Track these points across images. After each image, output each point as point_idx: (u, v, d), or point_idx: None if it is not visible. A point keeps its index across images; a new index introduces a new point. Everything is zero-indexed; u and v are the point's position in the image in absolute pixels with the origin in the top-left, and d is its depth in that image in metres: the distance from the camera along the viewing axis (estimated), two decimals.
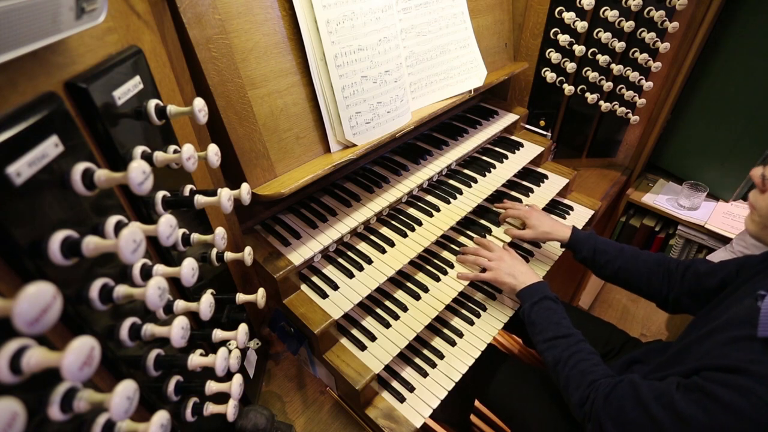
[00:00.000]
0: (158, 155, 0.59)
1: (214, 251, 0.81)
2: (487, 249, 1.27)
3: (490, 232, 1.40)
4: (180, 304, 0.65)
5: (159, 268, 0.58)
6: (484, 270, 1.23)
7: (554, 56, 1.61)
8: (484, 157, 1.56)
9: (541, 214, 1.35)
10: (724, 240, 1.81)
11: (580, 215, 1.59)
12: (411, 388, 1.09)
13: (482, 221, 1.44)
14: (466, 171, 1.50)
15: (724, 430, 0.65)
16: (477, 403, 1.63)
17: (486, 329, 1.21)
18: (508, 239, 1.37)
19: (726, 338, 0.74)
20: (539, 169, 1.68)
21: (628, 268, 1.17)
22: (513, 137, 1.68)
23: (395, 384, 1.10)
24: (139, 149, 0.59)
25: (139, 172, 0.48)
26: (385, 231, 1.26)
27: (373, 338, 1.11)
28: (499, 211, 1.44)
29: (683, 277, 1.10)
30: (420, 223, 1.28)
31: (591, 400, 0.86)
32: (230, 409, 0.71)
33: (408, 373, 1.13)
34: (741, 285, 0.89)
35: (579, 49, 1.56)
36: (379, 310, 1.18)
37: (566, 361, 0.95)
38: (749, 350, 0.68)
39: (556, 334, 1.00)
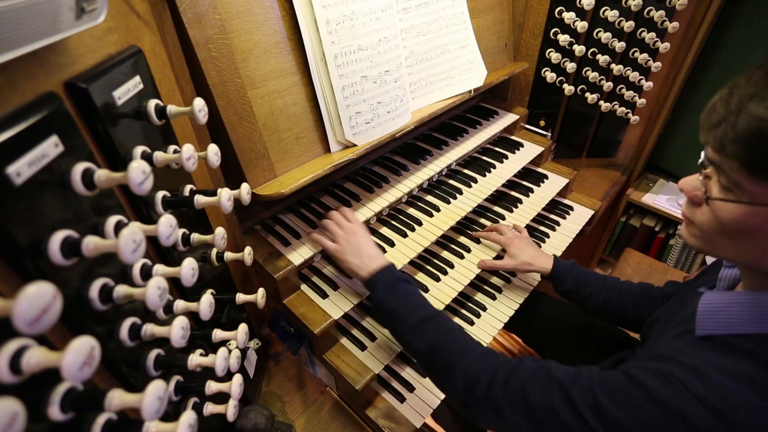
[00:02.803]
0: (158, 155, 0.59)
1: (214, 251, 0.81)
2: (345, 218, 1.11)
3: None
4: (180, 304, 0.65)
5: (159, 268, 0.58)
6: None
7: (554, 56, 1.61)
8: (484, 157, 1.56)
9: (523, 241, 1.27)
10: None
11: (580, 215, 1.59)
12: (411, 388, 1.09)
13: (482, 221, 1.44)
14: (466, 171, 1.50)
15: (640, 415, 0.61)
16: None
17: (486, 329, 1.21)
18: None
19: (671, 335, 0.72)
20: (539, 169, 1.68)
21: (614, 299, 1.11)
22: (513, 137, 1.68)
23: (395, 384, 1.10)
24: (139, 149, 0.59)
25: (139, 172, 0.48)
26: (385, 231, 1.26)
27: (373, 338, 1.11)
28: (478, 237, 1.37)
29: (662, 302, 1.05)
30: (420, 223, 1.28)
31: (483, 384, 0.76)
32: (230, 409, 0.71)
33: (408, 373, 1.13)
34: (700, 279, 0.89)
35: (579, 49, 1.56)
36: None
37: (441, 345, 0.85)
38: (685, 343, 0.66)
39: (423, 317, 0.89)
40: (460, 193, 1.39)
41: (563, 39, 1.55)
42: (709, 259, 1.71)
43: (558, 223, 1.54)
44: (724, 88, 0.59)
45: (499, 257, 1.30)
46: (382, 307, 0.94)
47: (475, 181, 1.44)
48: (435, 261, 1.29)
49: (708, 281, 0.83)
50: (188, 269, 0.59)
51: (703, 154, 0.63)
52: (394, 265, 1.01)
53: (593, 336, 1.32)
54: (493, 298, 1.30)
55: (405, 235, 1.24)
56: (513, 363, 0.78)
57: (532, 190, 1.56)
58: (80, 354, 0.39)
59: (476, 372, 0.79)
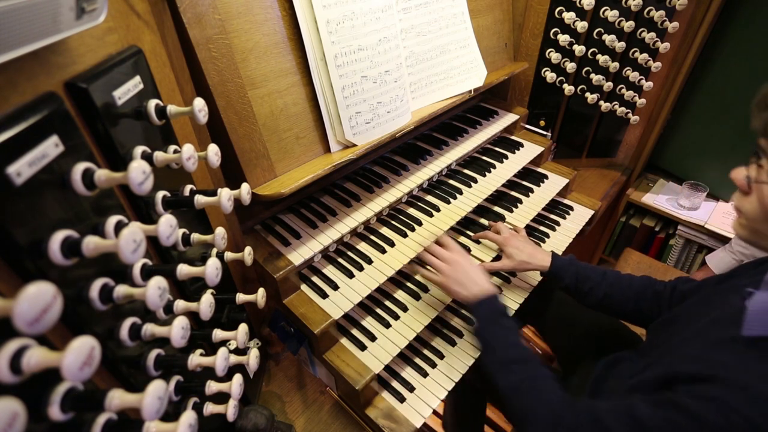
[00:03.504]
0: (158, 155, 0.59)
1: (214, 251, 0.81)
2: (445, 247, 1.16)
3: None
4: (180, 304, 0.65)
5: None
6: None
7: (554, 56, 1.61)
8: (484, 157, 1.56)
9: (519, 240, 1.26)
10: (724, 240, 1.81)
11: (580, 215, 1.59)
12: (411, 388, 1.09)
13: (482, 221, 1.44)
14: (466, 171, 1.50)
15: None
16: (488, 412, 1.62)
17: None
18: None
19: (708, 341, 0.69)
20: (539, 169, 1.68)
21: (614, 293, 1.11)
22: (513, 137, 1.68)
23: (395, 384, 1.10)
24: (139, 149, 0.59)
25: (139, 172, 0.48)
26: (385, 231, 1.26)
27: (373, 338, 1.11)
28: (476, 238, 1.37)
29: (671, 297, 1.05)
30: (420, 223, 1.28)
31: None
32: (230, 409, 0.71)
33: (408, 373, 1.13)
34: (726, 281, 0.86)
35: (579, 49, 1.56)
36: (379, 310, 1.17)
37: (525, 391, 0.87)
38: (729, 352, 0.64)
39: (514, 357, 0.92)
40: (460, 193, 1.39)
41: (563, 39, 1.55)
42: (709, 259, 1.70)
43: (558, 223, 1.54)
44: None
45: (498, 257, 1.30)
46: (480, 335, 1.00)
47: (475, 181, 1.44)
48: None
49: (746, 284, 0.78)
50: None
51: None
52: (497, 294, 1.05)
53: (603, 329, 1.29)
54: None
55: (405, 235, 1.24)
56: (573, 411, 0.78)
57: (532, 190, 1.56)
58: (80, 354, 0.39)
59: (547, 425, 0.79)
